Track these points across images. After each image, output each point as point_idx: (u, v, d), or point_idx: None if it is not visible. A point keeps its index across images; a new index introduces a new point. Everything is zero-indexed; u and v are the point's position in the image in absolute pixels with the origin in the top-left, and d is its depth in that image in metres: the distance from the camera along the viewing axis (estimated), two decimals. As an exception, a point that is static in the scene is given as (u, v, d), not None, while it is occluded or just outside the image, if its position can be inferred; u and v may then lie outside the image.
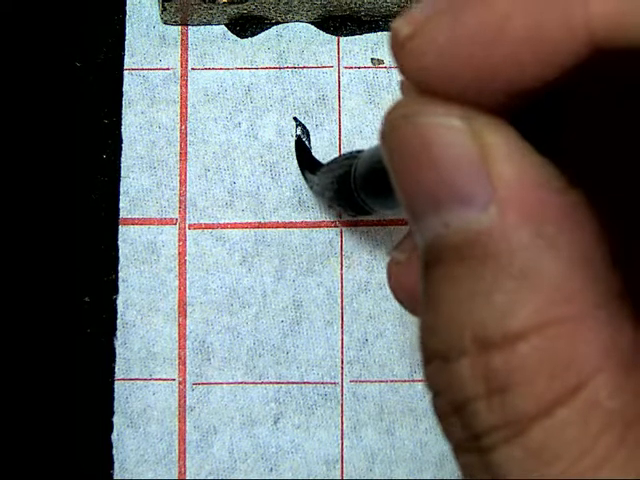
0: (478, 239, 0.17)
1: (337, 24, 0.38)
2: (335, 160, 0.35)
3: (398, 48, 0.18)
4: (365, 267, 0.37)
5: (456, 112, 0.18)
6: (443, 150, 0.17)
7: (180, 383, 0.37)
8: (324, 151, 0.38)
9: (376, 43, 0.38)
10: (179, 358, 0.37)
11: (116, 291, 0.37)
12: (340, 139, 0.38)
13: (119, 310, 0.37)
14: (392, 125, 0.18)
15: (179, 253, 0.37)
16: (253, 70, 0.38)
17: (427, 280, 0.18)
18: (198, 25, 0.38)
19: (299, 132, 0.37)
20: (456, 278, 0.17)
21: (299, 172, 0.37)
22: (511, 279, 0.17)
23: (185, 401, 0.36)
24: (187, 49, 0.38)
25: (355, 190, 0.30)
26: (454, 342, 0.17)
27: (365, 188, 0.30)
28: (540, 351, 0.17)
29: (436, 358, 0.18)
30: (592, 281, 0.17)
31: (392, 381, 0.36)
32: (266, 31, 0.38)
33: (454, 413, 0.18)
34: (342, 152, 0.38)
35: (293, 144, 0.38)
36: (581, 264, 0.17)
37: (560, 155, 0.18)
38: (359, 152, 0.32)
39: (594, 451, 0.16)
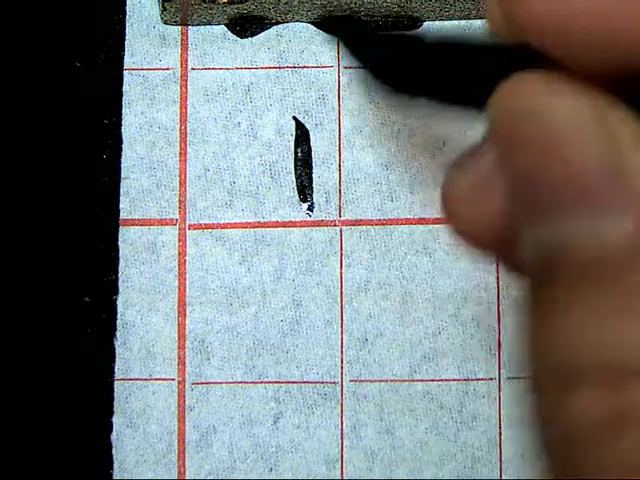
0: (611, 254, 0.15)
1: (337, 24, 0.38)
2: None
3: (513, 9, 0.16)
4: (365, 267, 0.37)
5: (586, 101, 0.15)
6: (577, 147, 0.15)
7: (180, 383, 0.37)
8: (324, 151, 0.38)
9: (376, 43, 0.38)
10: (179, 358, 0.37)
11: (116, 291, 0.37)
12: (340, 139, 0.38)
13: (119, 310, 0.37)
14: (512, 118, 0.16)
15: (179, 253, 0.37)
16: (253, 70, 0.38)
17: (539, 300, 0.16)
18: (198, 25, 0.38)
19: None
20: (579, 299, 0.15)
21: (298, 172, 0.37)
22: None
23: (184, 401, 0.36)
24: (187, 49, 0.38)
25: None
26: (579, 368, 0.15)
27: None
28: None
29: (551, 383, 0.15)
30: None
31: (392, 381, 0.36)
32: (266, 31, 0.38)
33: (566, 447, 0.15)
34: (342, 152, 0.38)
35: (293, 144, 0.38)
36: None
37: None
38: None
39: None
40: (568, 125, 0.15)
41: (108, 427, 0.36)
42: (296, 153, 0.38)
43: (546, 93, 0.15)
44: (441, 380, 0.36)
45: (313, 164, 0.38)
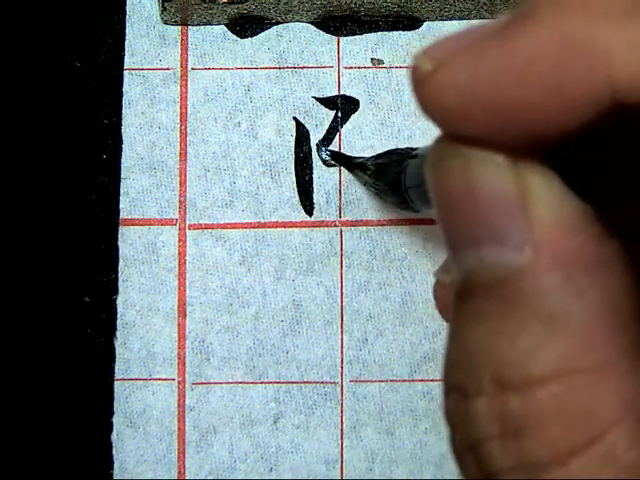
0: (510, 278, 0.17)
1: (337, 24, 0.38)
2: (390, 155, 0.34)
3: (418, 84, 0.18)
4: (365, 267, 0.37)
5: (499, 151, 0.18)
6: (484, 188, 0.18)
7: (180, 383, 0.37)
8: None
9: (376, 43, 0.38)
10: (179, 358, 0.37)
11: (116, 291, 0.37)
12: (340, 139, 0.38)
13: (119, 310, 0.37)
14: (437, 156, 0.18)
15: (179, 253, 0.37)
16: (253, 70, 0.38)
17: (456, 312, 0.18)
18: (198, 25, 0.38)
19: (327, 154, 0.37)
20: (484, 315, 0.17)
21: (298, 172, 0.37)
22: (537, 323, 0.17)
23: (185, 401, 0.36)
24: (187, 49, 0.38)
25: (405, 190, 0.30)
26: (474, 379, 0.17)
27: (413, 193, 0.30)
28: (559, 399, 0.16)
29: (455, 391, 0.18)
30: (618, 332, 0.17)
31: (392, 381, 0.36)
32: (266, 31, 0.38)
33: (469, 451, 0.18)
34: (342, 151, 0.38)
35: (293, 144, 0.38)
36: (609, 314, 0.17)
37: (599, 201, 0.18)
38: (412, 150, 0.32)
39: None
40: (478, 162, 0.18)
41: (108, 427, 0.36)
42: (296, 153, 0.38)
43: (461, 155, 0.18)
44: (441, 380, 0.36)
45: (313, 164, 0.38)
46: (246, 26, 0.38)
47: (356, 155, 0.38)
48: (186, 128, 0.38)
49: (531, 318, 0.17)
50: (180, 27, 0.38)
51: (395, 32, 0.38)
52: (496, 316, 0.17)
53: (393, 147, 0.37)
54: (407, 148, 0.34)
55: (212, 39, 0.38)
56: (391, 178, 0.32)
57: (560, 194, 0.17)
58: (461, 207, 0.18)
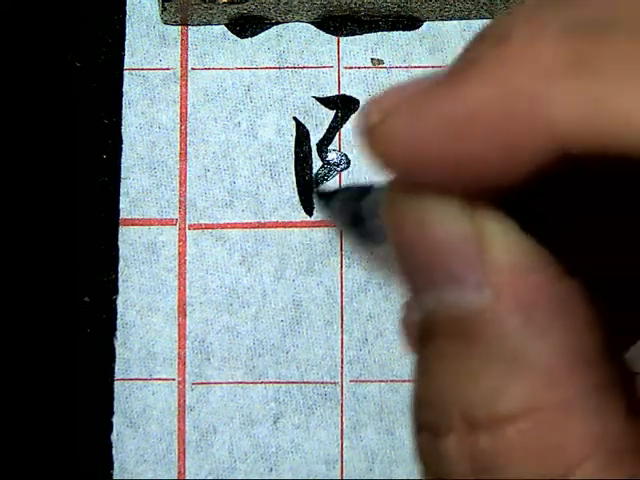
0: (471, 319, 0.17)
1: (337, 24, 0.38)
2: (348, 190, 0.34)
3: (366, 134, 0.18)
4: (365, 267, 0.37)
5: (453, 196, 0.18)
6: (440, 233, 0.18)
7: (180, 383, 0.37)
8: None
9: (376, 43, 0.38)
10: (179, 358, 0.37)
11: (116, 291, 0.37)
12: (340, 139, 0.38)
13: (119, 310, 0.37)
14: (391, 200, 0.18)
15: (179, 253, 0.37)
16: (253, 70, 0.38)
17: (421, 352, 0.18)
18: (198, 25, 0.38)
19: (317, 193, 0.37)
20: (448, 355, 0.18)
21: (298, 172, 0.37)
22: (500, 362, 0.17)
23: (185, 401, 0.36)
24: (187, 49, 0.38)
25: (365, 226, 0.31)
26: (443, 418, 0.18)
27: (373, 228, 0.30)
28: (527, 436, 0.17)
29: (425, 430, 0.18)
30: (582, 369, 0.17)
31: (392, 381, 0.36)
32: (266, 31, 0.38)
33: None
34: (342, 152, 0.38)
35: (293, 144, 0.38)
36: (571, 351, 0.17)
37: (557, 243, 0.18)
38: (371, 185, 0.32)
39: None
40: (433, 207, 0.18)
41: (108, 427, 0.36)
42: (296, 153, 0.38)
43: (415, 201, 0.18)
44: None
45: (313, 164, 0.38)
46: (246, 26, 0.38)
47: (354, 156, 0.38)
48: (186, 128, 0.38)
49: (494, 357, 0.17)
50: (180, 27, 0.38)
51: (395, 32, 0.38)
52: (460, 356, 0.17)
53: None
54: (365, 183, 0.34)
55: (212, 39, 0.38)
56: (352, 213, 0.32)
57: (516, 237, 0.18)
58: (418, 252, 0.18)
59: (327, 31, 0.38)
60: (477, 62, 0.17)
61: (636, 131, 0.15)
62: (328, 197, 0.36)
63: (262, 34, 0.38)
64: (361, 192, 0.32)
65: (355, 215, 0.32)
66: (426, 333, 0.18)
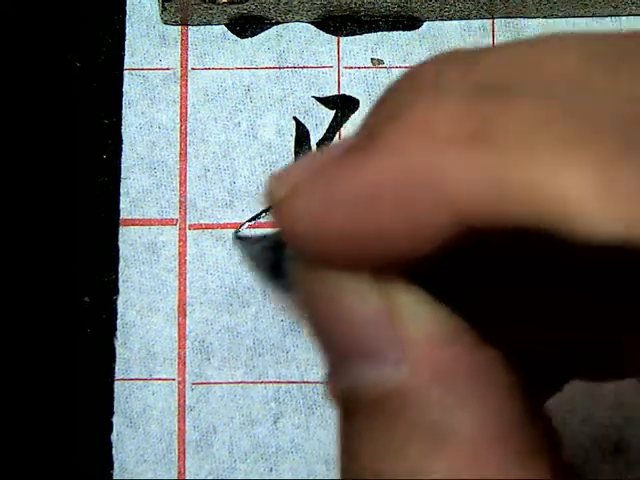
0: (390, 395, 0.17)
1: (337, 24, 0.38)
2: (264, 240, 0.34)
3: (273, 209, 0.18)
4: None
5: (363, 270, 0.17)
6: (350, 309, 0.17)
7: (180, 383, 0.36)
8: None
9: (376, 43, 0.38)
10: (179, 358, 0.37)
11: (116, 291, 0.37)
12: (340, 139, 0.38)
13: (119, 310, 0.37)
14: (301, 274, 0.18)
15: (179, 253, 0.37)
16: (253, 70, 0.38)
17: (343, 429, 0.18)
18: (198, 25, 0.38)
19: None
20: (368, 430, 0.17)
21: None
22: (422, 437, 0.17)
23: (185, 401, 0.36)
24: (187, 49, 0.38)
25: (284, 278, 0.30)
26: None
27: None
28: None
29: None
30: (504, 438, 0.17)
31: (392, 381, 0.36)
32: (266, 31, 0.38)
33: None
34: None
35: (293, 144, 0.38)
36: (494, 421, 0.17)
37: (473, 312, 0.18)
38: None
39: None
40: (341, 282, 0.17)
41: (108, 427, 0.36)
42: (296, 153, 0.38)
43: (325, 276, 0.17)
44: None
45: (313, 164, 0.38)
46: (246, 26, 0.38)
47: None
48: (186, 128, 0.38)
49: (415, 433, 0.17)
50: (180, 27, 0.38)
51: (395, 32, 0.38)
52: (381, 432, 0.17)
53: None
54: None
55: (212, 39, 0.38)
56: (271, 263, 0.32)
57: (429, 308, 0.17)
58: (331, 327, 0.17)
59: (327, 31, 0.38)
60: (377, 135, 0.16)
61: (534, 204, 0.15)
62: (248, 243, 0.35)
63: (262, 34, 0.38)
64: (274, 244, 0.31)
65: (275, 266, 0.31)
66: (349, 406, 0.18)
